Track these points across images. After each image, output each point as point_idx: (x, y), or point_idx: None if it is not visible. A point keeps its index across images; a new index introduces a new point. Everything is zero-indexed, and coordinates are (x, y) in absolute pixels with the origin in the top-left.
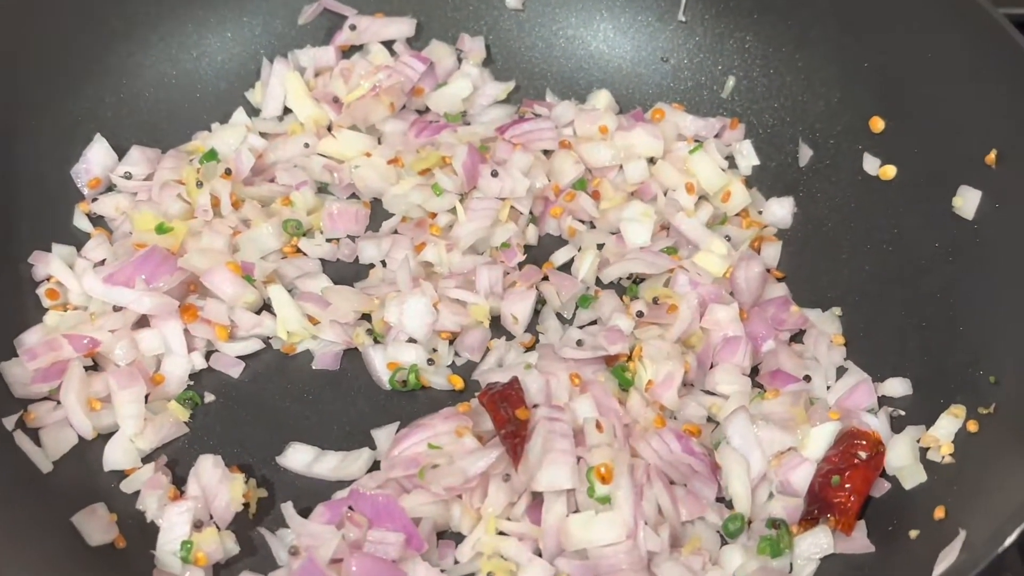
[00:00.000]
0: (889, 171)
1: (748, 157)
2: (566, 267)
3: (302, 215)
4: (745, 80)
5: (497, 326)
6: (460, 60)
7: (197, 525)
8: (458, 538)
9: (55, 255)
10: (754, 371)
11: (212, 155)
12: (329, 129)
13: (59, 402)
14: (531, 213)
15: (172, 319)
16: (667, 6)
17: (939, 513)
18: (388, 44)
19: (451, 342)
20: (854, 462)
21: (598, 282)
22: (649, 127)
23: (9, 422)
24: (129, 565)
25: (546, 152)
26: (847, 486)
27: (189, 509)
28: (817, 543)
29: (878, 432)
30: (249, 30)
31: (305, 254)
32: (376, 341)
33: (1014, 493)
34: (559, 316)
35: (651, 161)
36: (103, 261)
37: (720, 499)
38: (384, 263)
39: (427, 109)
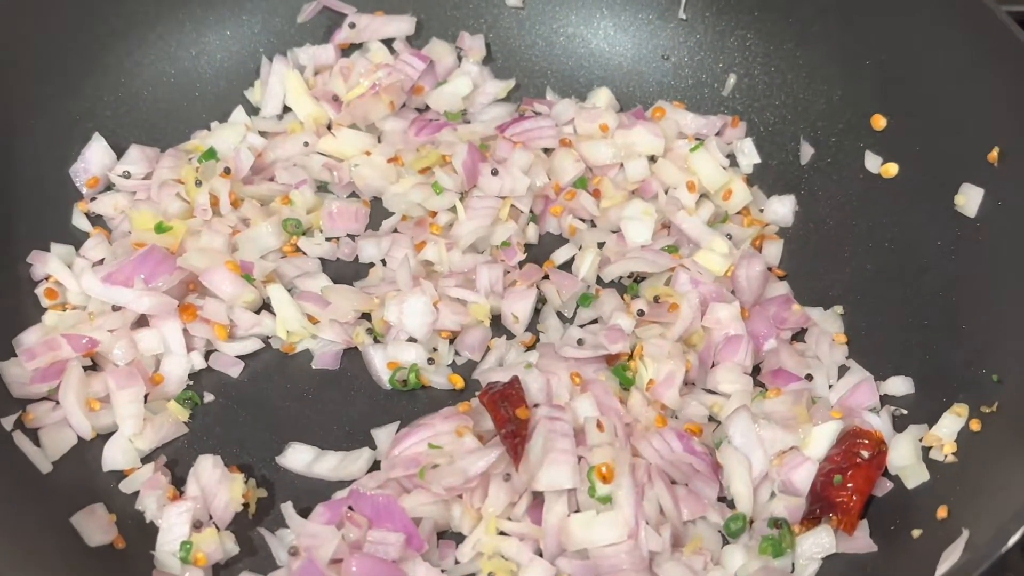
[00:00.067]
0: (891, 169)
1: (749, 155)
2: (567, 266)
3: (302, 214)
4: (746, 78)
5: (497, 325)
6: (460, 58)
7: (196, 525)
8: (459, 538)
9: (54, 254)
10: (755, 370)
11: (211, 154)
12: (329, 128)
13: (58, 402)
14: (531, 212)
15: (171, 319)
16: (668, 4)
17: (942, 512)
18: (388, 42)
19: (451, 341)
20: (856, 461)
21: (599, 281)
22: (650, 125)
23: (8, 422)
24: (128, 566)
25: (546, 150)
26: (849, 485)
27: (188, 509)
28: (819, 543)
29: (880, 431)
30: (248, 28)
31: (305, 253)
32: (376, 340)
33: (1017, 492)
34: (560, 315)
35: (652, 159)
36: (102, 260)
37: (722, 499)
38: (384, 262)
39: (427, 107)
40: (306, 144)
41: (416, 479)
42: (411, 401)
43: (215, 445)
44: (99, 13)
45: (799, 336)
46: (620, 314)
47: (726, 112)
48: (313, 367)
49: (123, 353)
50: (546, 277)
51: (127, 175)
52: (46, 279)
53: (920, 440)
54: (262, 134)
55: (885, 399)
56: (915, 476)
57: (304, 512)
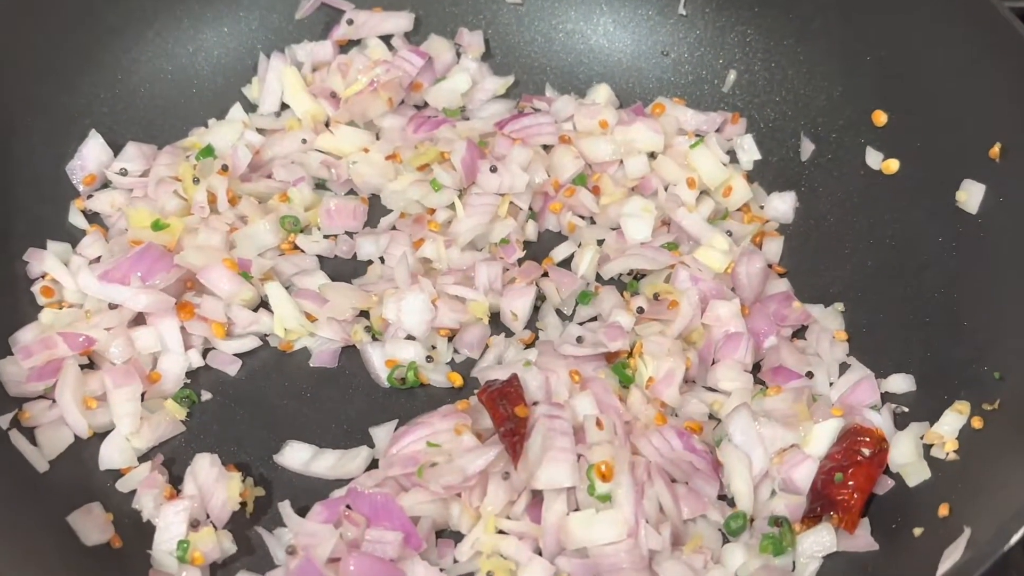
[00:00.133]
0: (892, 165)
1: (749, 152)
2: (566, 263)
3: (300, 211)
4: (746, 74)
5: (496, 323)
6: (459, 55)
7: (194, 524)
8: (457, 537)
9: (50, 252)
10: (756, 367)
11: (209, 151)
12: (327, 125)
13: (54, 401)
14: (531, 209)
15: (168, 316)
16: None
17: (943, 511)
18: (386, 39)
19: (450, 339)
20: (857, 459)
21: (598, 278)
22: (649, 122)
23: (4, 421)
24: (125, 565)
25: (546, 147)
26: (850, 483)
27: (186, 508)
28: (820, 541)
29: (881, 429)
30: (246, 25)
31: (303, 251)
32: (374, 338)
33: (1019, 490)
34: (559, 312)
35: (652, 156)
36: (99, 258)
37: (722, 497)
38: (382, 259)
39: (425, 104)
40: (304, 141)
41: (414, 477)
42: (409, 399)
43: (212, 444)
44: (96, 10)
45: (800, 333)
46: (620, 311)
47: (726, 108)
48: (311, 365)
49: (120, 351)
50: (545, 274)
51: (124, 172)
52: (42, 277)
53: (921, 438)
54: (260, 131)
55: (886, 396)
56: (916, 474)
57: (302, 511)
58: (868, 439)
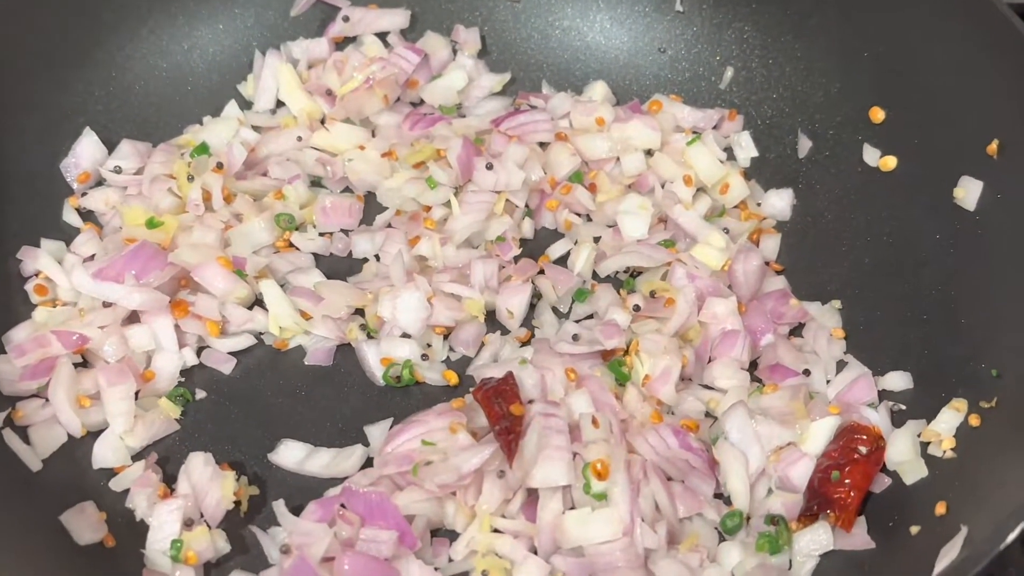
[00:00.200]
0: (889, 162)
1: (747, 148)
2: (562, 261)
3: (295, 209)
4: (743, 71)
5: (492, 321)
6: (455, 52)
7: (187, 523)
8: (452, 536)
9: (44, 250)
10: (753, 365)
11: (203, 149)
12: (322, 122)
13: (48, 399)
14: (527, 206)
15: (163, 315)
16: None
17: (940, 509)
18: (382, 36)
19: (446, 337)
20: (854, 457)
21: (595, 276)
22: (646, 119)
23: None
24: (118, 564)
25: (542, 144)
26: (847, 481)
27: (179, 507)
28: (816, 539)
29: (878, 427)
30: (241, 22)
31: (298, 248)
32: (369, 336)
33: (1016, 488)
34: (555, 310)
35: (648, 153)
36: (93, 256)
37: (718, 495)
38: (378, 257)
39: (422, 101)
40: (299, 139)
41: (409, 476)
42: (405, 397)
43: (207, 442)
44: (91, 7)
45: (797, 331)
46: (616, 309)
47: (723, 105)
48: (306, 363)
49: (114, 350)
50: (541, 272)
51: (118, 170)
52: (36, 275)
53: (918, 436)
54: (255, 129)
55: (883, 394)
56: (913, 472)
57: (296, 510)
58: (865, 437)
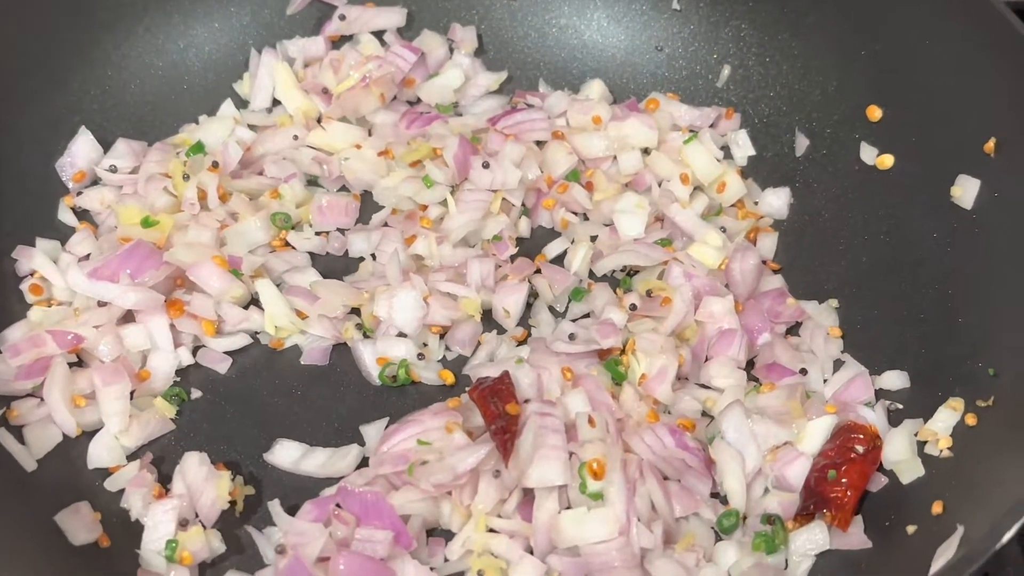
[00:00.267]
0: (887, 160)
1: (744, 147)
2: (559, 260)
3: (291, 208)
4: (740, 69)
5: (489, 320)
6: (452, 50)
7: (182, 523)
8: (448, 535)
9: (39, 250)
10: (749, 364)
11: (199, 148)
12: (319, 121)
13: (42, 399)
14: (523, 205)
15: (158, 314)
16: None
17: (937, 508)
18: (378, 34)
19: (442, 336)
20: (851, 456)
21: (591, 275)
22: (643, 117)
23: None
24: (113, 564)
25: (539, 143)
26: (843, 481)
27: (174, 507)
28: (813, 539)
29: (875, 426)
30: (237, 20)
31: (294, 247)
32: (366, 336)
33: (1013, 487)
34: (552, 309)
35: (645, 152)
36: (88, 256)
37: (715, 494)
38: (374, 256)
39: (418, 100)
40: (295, 137)
41: (405, 476)
42: (400, 397)
43: (202, 442)
44: (86, 6)
45: (794, 330)
46: (612, 308)
47: (720, 104)
48: (302, 363)
49: (109, 349)
50: (538, 271)
51: (114, 169)
52: (31, 275)
53: (915, 435)
54: (251, 127)
55: (880, 393)
56: (910, 471)
57: (292, 510)
58: (862, 436)
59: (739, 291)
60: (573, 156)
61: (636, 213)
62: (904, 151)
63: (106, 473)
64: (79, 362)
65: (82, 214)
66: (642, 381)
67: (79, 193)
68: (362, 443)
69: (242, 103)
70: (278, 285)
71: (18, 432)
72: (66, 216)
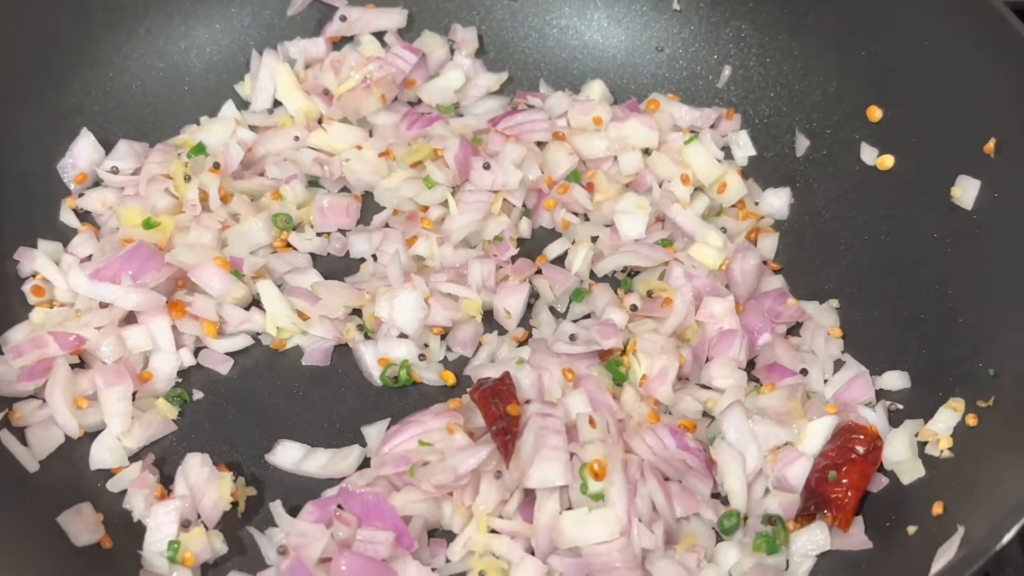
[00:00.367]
0: (887, 161)
1: (744, 147)
2: (559, 260)
3: (292, 209)
4: (741, 69)
5: (490, 320)
6: (452, 51)
7: (184, 524)
8: (449, 536)
9: (41, 251)
10: (750, 365)
11: (200, 149)
12: (320, 122)
13: (45, 400)
14: (524, 206)
15: (160, 315)
16: None
17: (937, 509)
18: (379, 35)
19: (443, 337)
20: (851, 457)
21: (592, 275)
22: (644, 118)
23: None
24: (115, 565)
25: (539, 144)
26: (844, 481)
27: (176, 508)
28: (814, 539)
29: (876, 426)
30: (238, 21)
31: (295, 248)
32: (367, 336)
33: (1014, 487)
34: (552, 310)
35: (646, 152)
36: (90, 257)
37: (715, 495)
38: (375, 257)
39: (419, 101)
40: (297, 138)
41: (406, 477)
42: (402, 398)
43: (204, 443)
44: (87, 7)
45: (794, 330)
46: (613, 309)
47: (721, 104)
48: (303, 364)
49: (111, 350)
50: (539, 272)
51: (115, 170)
52: (33, 276)
53: (916, 435)
54: (252, 128)
55: (881, 394)
56: (911, 472)
57: (293, 511)
58: (862, 437)
59: (740, 291)
60: (574, 157)
61: (637, 214)
62: (904, 151)
63: (108, 474)
64: (81, 363)
65: (84, 215)
66: (643, 382)
67: (81, 194)
68: (363, 444)
69: (243, 104)
70: (279, 286)
71: (20, 433)
72: (68, 217)
